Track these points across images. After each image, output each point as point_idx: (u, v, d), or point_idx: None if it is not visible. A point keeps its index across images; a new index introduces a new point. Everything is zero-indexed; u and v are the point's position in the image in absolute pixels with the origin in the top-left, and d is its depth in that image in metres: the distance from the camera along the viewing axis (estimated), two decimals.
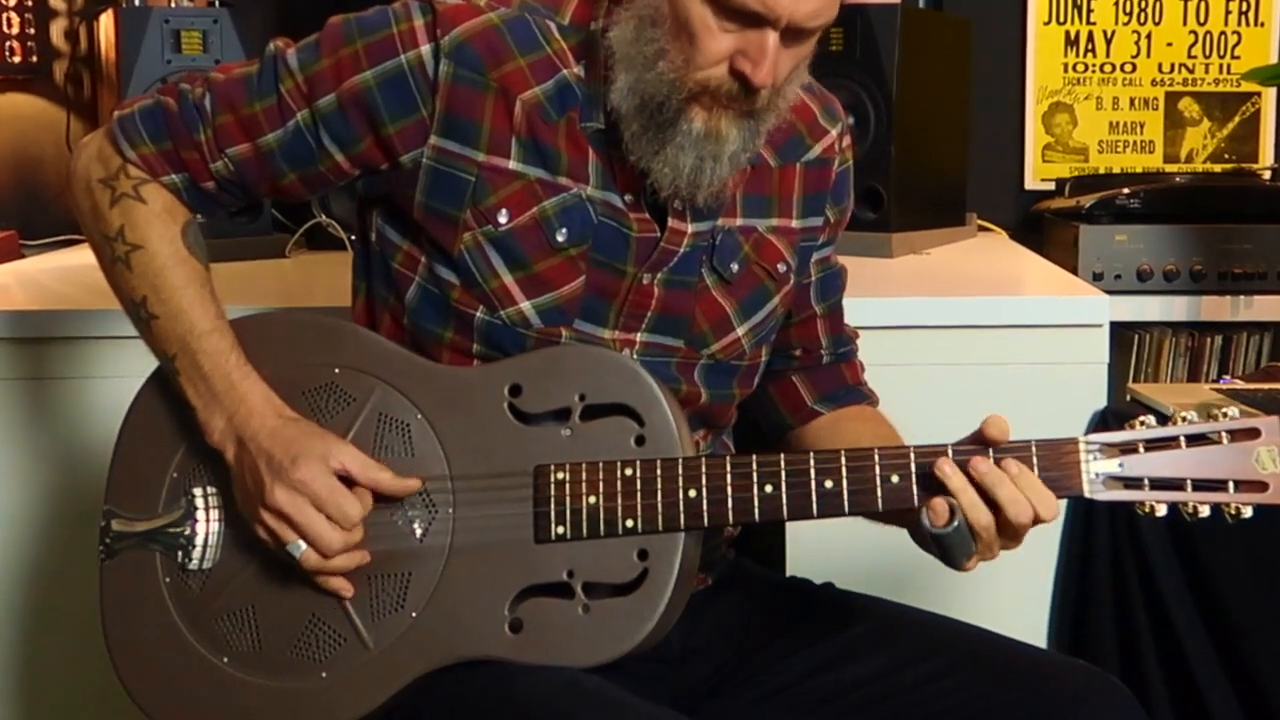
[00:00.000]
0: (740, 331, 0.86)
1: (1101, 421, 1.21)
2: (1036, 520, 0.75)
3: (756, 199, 0.86)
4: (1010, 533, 0.75)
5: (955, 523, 0.74)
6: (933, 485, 0.75)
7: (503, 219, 0.80)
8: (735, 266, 0.85)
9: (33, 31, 1.65)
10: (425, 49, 0.79)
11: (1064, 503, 1.25)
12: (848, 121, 0.92)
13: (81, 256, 1.54)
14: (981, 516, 0.74)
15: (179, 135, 0.82)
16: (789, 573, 1.08)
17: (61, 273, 1.45)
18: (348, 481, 0.79)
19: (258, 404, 0.80)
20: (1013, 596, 1.21)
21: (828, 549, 1.01)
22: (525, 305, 0.81)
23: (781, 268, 0.88)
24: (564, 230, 0.81)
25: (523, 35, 0.81)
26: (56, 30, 1.70)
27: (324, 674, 0.80)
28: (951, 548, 0.75)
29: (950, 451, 0.75)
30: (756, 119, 0.78)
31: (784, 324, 0.91)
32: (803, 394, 0.93)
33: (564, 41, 0.81)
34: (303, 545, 0.79)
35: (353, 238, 1.48)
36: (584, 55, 0.81)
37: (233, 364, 0.81)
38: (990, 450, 0.75)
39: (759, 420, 0.93)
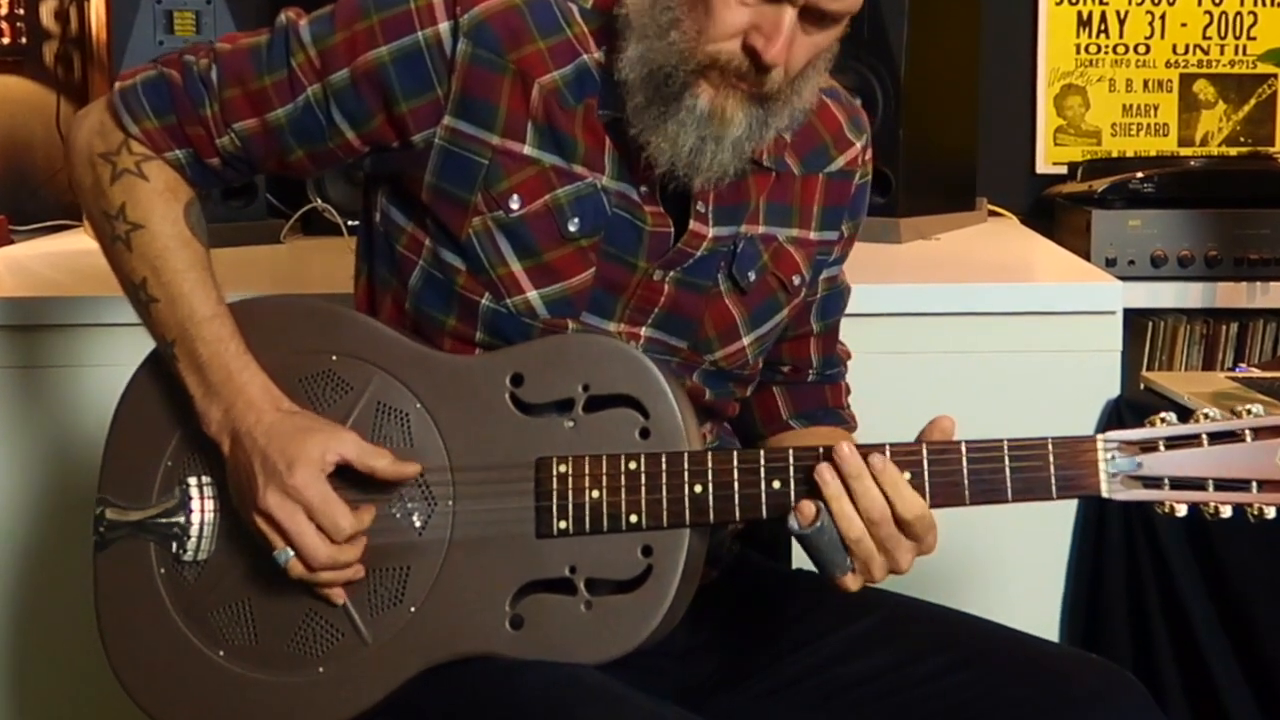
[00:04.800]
0: (746, 341, 0.85)
1: (1115, 411, 1.19)
2: (904, 526, 0.72)
3: (779, 207, 0.84)
4: (883, 545, 0.72)
5: (819, 524, 0.72)
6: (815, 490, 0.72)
7: (514, 205, 0.78)
8: (752, 275, 0.84)
9: (22, 12, 1.63)
10: (444, 26, 0.77)
11: None
12: (870, 133, 0.90)
13: (72, 242, 1.52)
14: (852, 527, 0.72)
15: (183, 109, 0.80)
16: (795, 566, 1.06)
17: (51, 258, 1.43)
18: (347, 473, 0.77)
19: (255, 396, 0.79)
20: (1024, 590, 1.20)
21: None
22: (532, 295, 0.80)
23: (796, 280, 0.86)
24: (576, 220, 0.79)
25: (544, 17, 0.79)
26: (46, 11, 1.68)
27: (321, 669, 0.79)
28: (816, 550, 0.73)
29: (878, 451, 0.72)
30: (766, 109, 0.76)
31: (779, 337, 0.89)
32: (780, 407, 0.91)
33: (585, 25, 0.79)
34: (289, 553, 0.77)
35: (350, 222, 1.48)
36: (605, 40, 0.79)
37: (231, 353, 0.79)
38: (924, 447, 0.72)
39: (731, 422, 0.91)
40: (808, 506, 0.72)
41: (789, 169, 0.85)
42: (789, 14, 0.73)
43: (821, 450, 0.75)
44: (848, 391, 0.94)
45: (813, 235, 0.87)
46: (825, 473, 0.72)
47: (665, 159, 0.76)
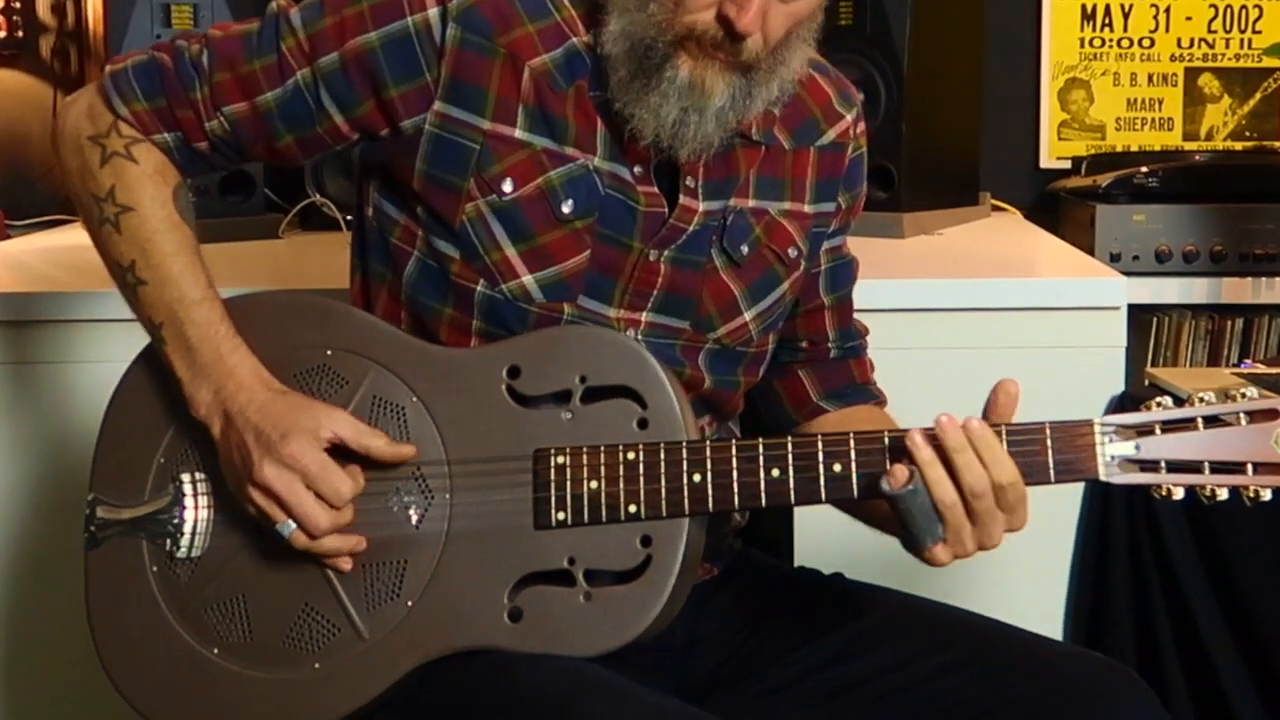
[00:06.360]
0: (748, 316, 0.84)
1: (1119, 406, 1.19)
2: (999, 493, 0.71)
3: (769, 180, 0.84)
4: (977, 517, 0.72)
5: (912, 486, 0.70)
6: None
7: (507, 188, 0.78)
8: (745, 249, 0.83)
9: (18, 5, 1.63)
10: (433, 12, 0.78)
11: (1079, 488, 1.23)
12: (862, 107, 0.90)
13: (68, 237, 1.52)
14: (946, 493, 0.71)
15: (174, 92, 0.80)
16: (797, 563, 1.06)
17: (48, 254, 1.43)
18: (341, 452, 0.76)
19: (246, 377, 0.78)
20: (1027, 587, 1.19)
21: (837, 539, 0.99)
22: (527, 279, 0.79)
23: (792, 252, 0.86)
24: (570, 201, 0.79)
25: (531, 2, 0.79)
26: (43, 4, 1.68)
27: (317, 665, 0.78)
28: (909, 515, 0.71)
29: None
30: (749, 79, 0.76)
31: (791, 314, 0.89)
32: (808, 389, 0.91)
33: (574, 9, 0.80)
34: (292, 525, 0.76)
35: (348, 217, 1.47)
36: (593, 24, 0.79)
37: (221, 335, 0.79)
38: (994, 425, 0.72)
39: (763, 415, 0.91)
40: (900, 469, 0.71)
41: (778, 143, 0.84)
42: None
43: (822, 437, 0.74)
44: (872, 367, 0.93)
45: (807, 208, 0.87)
46: (918, 438, 0.71)
47: (650, 131, 0.76)
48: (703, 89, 0.75)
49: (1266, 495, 0.71)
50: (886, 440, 0.73)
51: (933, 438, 0.71)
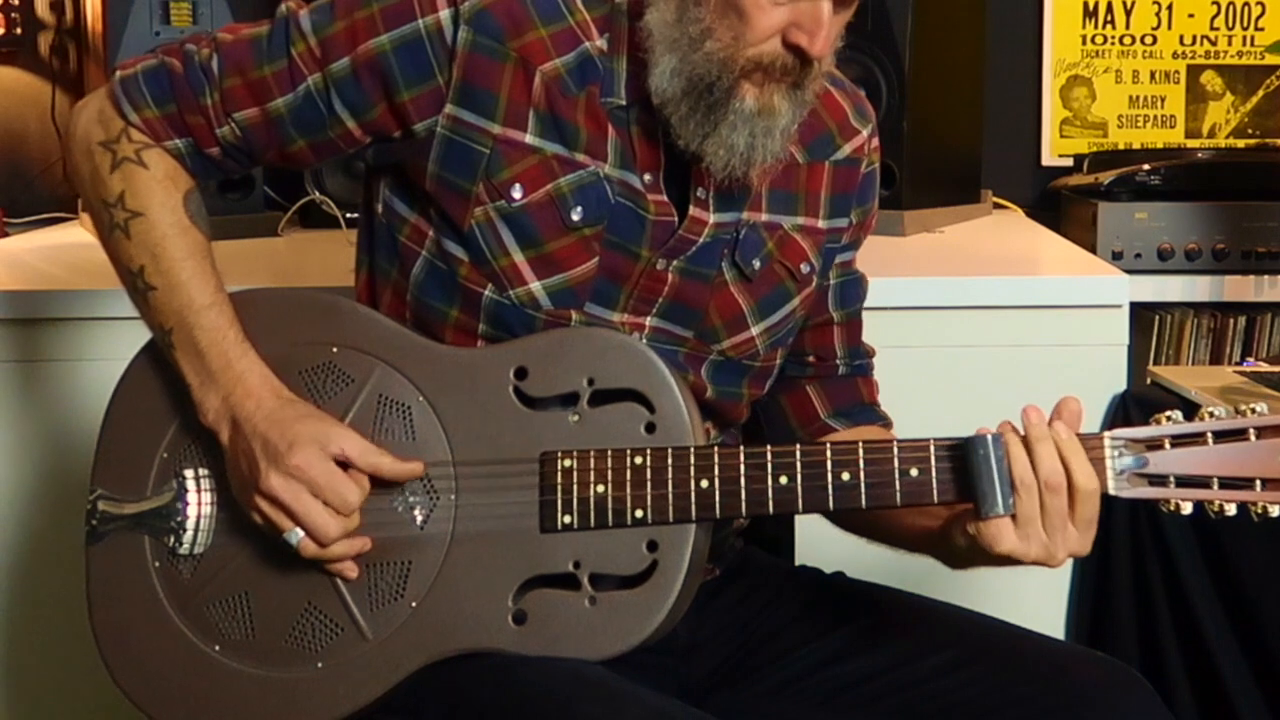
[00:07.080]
0: (755, 331, 0.84)
1: (1121, 405, 1.19)
2: (1074, 497, 0.71)
3: (783, 195, 0.84)
4: (1049, 517, 0.71)
5: (995, 435, 0.70)
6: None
7: (517, 194, 0.78)
8: (757, 263, 0.83)
9: (17, 2, 1.62)
10: (444, 14, 0.77)
11: None
12: (876, 122, 0.90)
13: (67, 235, 1.51)
14: (1025, 471, 0.70)
15: (184, 99, 0.80)
16: (798, 562, 1.06)
17: (46, 252, 1.42)
18: (345, 466, 0.77)
19: (254, 384, 0.78)
20: (1030, 587, 1.19)
21: (837, 538, 0.99)
22: (535, 286, 0.79)
23: (805, 268, 0.86)
24: (579, 209, 0.79)
25: (545, 5, 0.79)
26: (41, 1, 1.67)
27: (320, 664, 0.78)
28: (985, 467, 0.69)
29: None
30: (803, 88, 0.77)
31: (799, 328, 0.88)
32: (816, 405, 0.90)
33: (587, 13, 0.80)
34: (300, 533, 0.76)
35: (348, 215, 1.46)
36: (607, 28, 0.79)
37: (230, 341, 0.79)
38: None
39: (767, 430, 0.91)
40: (984, 429, 0.70)
41: (793, 157, 0.84)
42: (826, 6, 0.73)
43: (831, 446, 0.74)
44: (878, 389, 0.93)
45: (821, 224, 0.87)
46: (1006, 426, 0.71)
47: (722, 163, 0.76)
48: (771, 112, 0.75)
49: (1275, 511, 0.70)
50: (896, 450, 0.73)
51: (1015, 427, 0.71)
